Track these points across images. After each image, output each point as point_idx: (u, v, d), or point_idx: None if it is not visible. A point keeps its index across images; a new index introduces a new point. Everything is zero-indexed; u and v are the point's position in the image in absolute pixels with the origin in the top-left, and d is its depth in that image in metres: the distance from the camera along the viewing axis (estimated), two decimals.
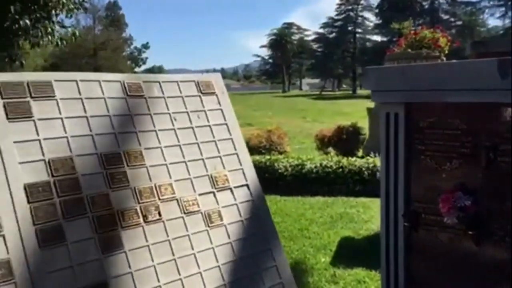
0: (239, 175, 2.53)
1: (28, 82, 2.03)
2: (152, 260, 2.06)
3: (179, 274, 2.11)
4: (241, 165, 2.56)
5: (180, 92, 2.52)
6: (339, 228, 4.98)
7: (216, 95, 2.66)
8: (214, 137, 2.52)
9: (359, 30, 59.77)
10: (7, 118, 1.93)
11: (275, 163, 7.07)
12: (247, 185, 2.53)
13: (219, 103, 2.65)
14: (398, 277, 2.28)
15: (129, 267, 1.99)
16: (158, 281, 2.04)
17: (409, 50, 6.50)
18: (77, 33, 9.90)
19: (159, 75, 2.55)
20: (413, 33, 6.86)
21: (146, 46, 52.90)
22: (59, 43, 8.68)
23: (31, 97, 2.02)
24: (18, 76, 2.05)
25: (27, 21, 7.78)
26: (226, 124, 2.61)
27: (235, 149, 2.58)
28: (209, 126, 2.54)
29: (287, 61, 65.53)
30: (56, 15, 8.52)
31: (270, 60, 71.22)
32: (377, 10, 55.90)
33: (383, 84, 2.23)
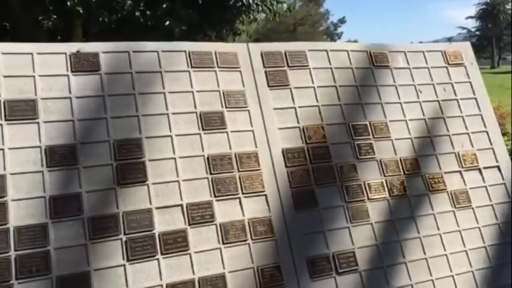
0: (489, 155, 2.29)
1: (285, 52, 2.12)
2: (397, 235, 2.00)
3: (424, 254, 2.01)
4: (491, 144, 2.31)
5: (426, 62, 2.37)
6: None
7: (465, 67, 2.43)
8: (461, 112, 2.33)
9: None
10: (268, 86, 2.05)
11: None
12: (498, 167, 2.28)
13: (467, 75, 2.42)
14: None
15: (375, 239, 1.96)
16: (404, 257, 1.97)
17: None
18: (292, 7, 10.34)
19: (405, 45, 2.43)
20: None
21: (342, 21, 52.51)
22: (275, 17, 9.24)
23: (288, 66, 2.11)
24: (276, 46, 2.15)
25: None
26: (475, 99, 2.38)
27: (485, 127, 2.34)
28: (456, 100, 2.35)
29: (498, 33, 58.44)
30: None
31: (477, 33, 64.41)
32: None
33: None
